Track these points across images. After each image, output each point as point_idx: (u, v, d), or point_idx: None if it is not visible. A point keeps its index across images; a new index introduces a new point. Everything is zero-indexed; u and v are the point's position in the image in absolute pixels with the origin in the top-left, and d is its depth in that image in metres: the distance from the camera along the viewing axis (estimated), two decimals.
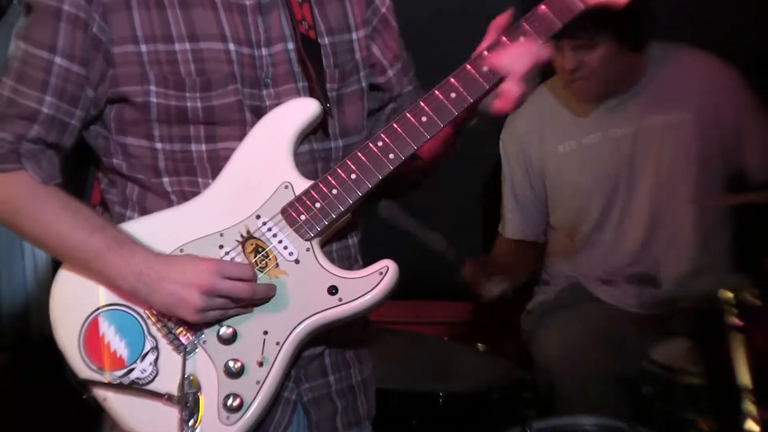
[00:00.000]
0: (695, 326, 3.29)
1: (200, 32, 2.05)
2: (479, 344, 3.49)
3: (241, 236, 2.06)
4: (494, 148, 3.92)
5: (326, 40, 2.15)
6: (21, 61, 2.05)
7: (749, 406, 2.77)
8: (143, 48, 2.03)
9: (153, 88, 2.04)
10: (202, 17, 2.05)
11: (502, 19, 2.09)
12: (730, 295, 2.88)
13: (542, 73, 3.66)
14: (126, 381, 2.05)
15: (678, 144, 3.60)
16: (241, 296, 2.01)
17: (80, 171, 2.20)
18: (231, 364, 2.03)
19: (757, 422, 2.74)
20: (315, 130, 2.13)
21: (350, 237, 2.22)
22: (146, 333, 2.06)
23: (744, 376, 2.80)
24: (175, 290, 2.00)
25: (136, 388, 2.05)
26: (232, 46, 2.06)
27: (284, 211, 2.07)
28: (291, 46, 2.11)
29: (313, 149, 2.14)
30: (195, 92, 2.04)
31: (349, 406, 2.25)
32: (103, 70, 2.05)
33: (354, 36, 2.20)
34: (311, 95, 2.11)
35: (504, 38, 2.07)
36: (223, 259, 2.05)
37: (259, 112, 2.09)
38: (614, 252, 3.70)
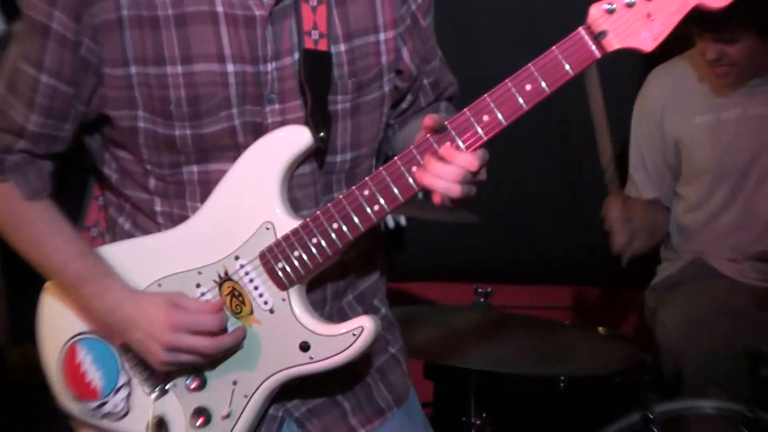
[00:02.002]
0: None
1: (195, 53, 1.89)
2: (600, 328, 3.49)
3: (219, 277, 1.97)
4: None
5: (342, 47, 1.96)
6: (12, 69, 1.94)
7: None
8: (133, 70, 1.89)
9: (141, 113, 1.92)
10: (199, 35, 1.89)
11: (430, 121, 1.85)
12: None
13: (680, 42, 3.66)
14: (99, 414, 2.04)
15: None
16: (205, 353, 1.95)
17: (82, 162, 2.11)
18: (196, 419, 2.00)
19: None
20: (316, 150, 1.96)
21: (350, 277, 2.09)
22: (120, 367, 2.03)
23: None
24: (142, 339, 1.95)
25: (108, 426, 2.04)
26: (230, 67, 1.90)
27: (262, 256, 1.95)
28: (298, 56, 1.93)
29: (314, 170, 1.99)
30: (184, 121, 1.92)
31: (362, 401, 2.12)
32: (93, 88, 1.93)
33: (381, 37, 2.00)
34: (312, 113, 1.93)
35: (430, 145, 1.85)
36: (199, 300, 1.97)
37: (259, 130, 1.94)
38: (740, 231, 3.67)
